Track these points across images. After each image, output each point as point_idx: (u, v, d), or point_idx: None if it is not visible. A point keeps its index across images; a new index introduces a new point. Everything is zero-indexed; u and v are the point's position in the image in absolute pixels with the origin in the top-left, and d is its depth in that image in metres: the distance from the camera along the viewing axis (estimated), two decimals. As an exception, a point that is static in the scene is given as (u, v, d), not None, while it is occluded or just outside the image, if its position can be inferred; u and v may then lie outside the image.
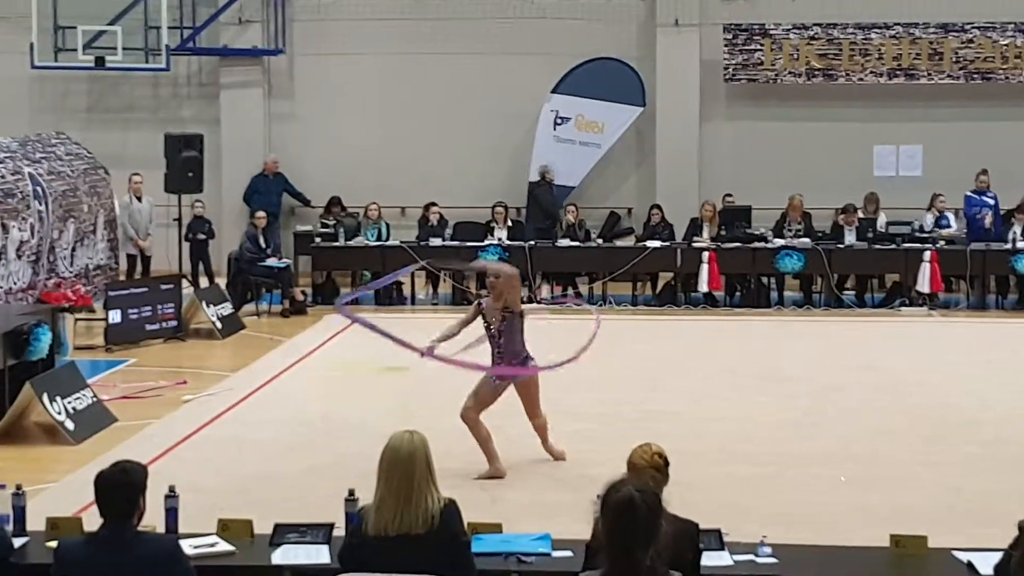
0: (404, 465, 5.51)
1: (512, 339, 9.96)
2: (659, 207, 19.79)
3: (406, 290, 19.55)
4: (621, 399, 12.74)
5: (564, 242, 19.31)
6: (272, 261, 18.51)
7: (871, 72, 21.17)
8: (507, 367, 10.01)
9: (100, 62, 20.77)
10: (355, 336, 16.60)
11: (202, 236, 19.49)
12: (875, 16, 21.16)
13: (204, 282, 18.91)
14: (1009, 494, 9.22)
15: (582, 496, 5.10)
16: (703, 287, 18.72)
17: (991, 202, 19.33)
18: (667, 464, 5.89)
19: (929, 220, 19.57)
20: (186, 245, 19.08)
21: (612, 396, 12.86)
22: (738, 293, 19.31)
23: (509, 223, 19.86)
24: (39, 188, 15.83)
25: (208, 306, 16.60)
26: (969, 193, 19.51)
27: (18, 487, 6.68)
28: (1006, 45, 20.91)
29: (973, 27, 20.94)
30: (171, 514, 6.69)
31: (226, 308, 16.99)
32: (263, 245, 18.60)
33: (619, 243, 19.70)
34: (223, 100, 22.00)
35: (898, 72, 21.15)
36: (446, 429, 10.42)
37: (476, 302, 10.45)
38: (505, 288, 9.92)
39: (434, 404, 12.31)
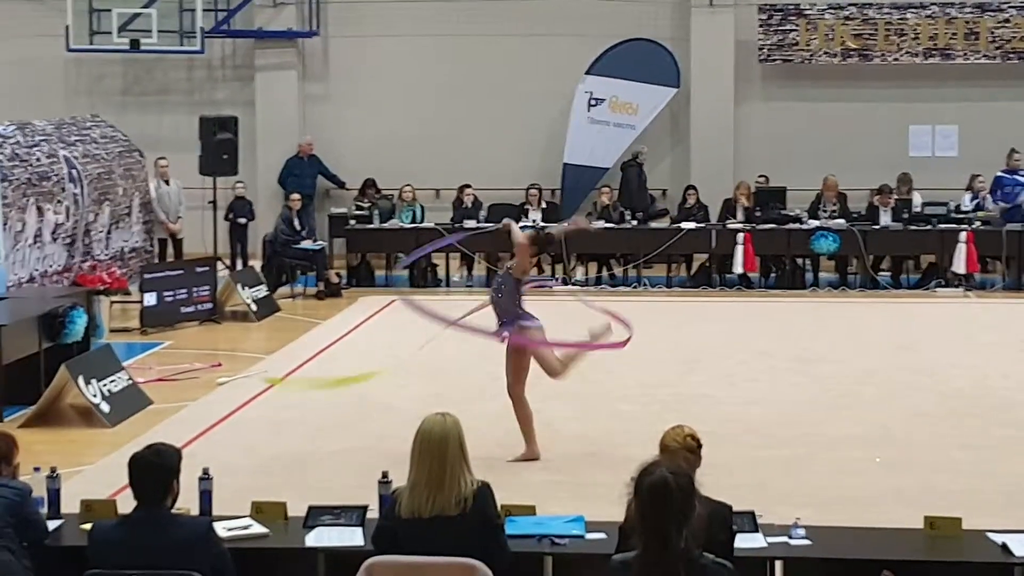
0: (437, 447, 5.52)
1: (508, 299, 9.94)
2: (694, 188, 19.73)
3: (440, 272, 19.56)
4: (656, 381, 12.72)
5: (599, 224, 19.26)
6: (307, 243, 18.54)
7: (906, 52, 21.01)
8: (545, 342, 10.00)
9: (135, 45, 20.86)
10: (392, 317, 16.67)
11: (243, 219, 19.54)
12: (911, -5, 21.01)
13: (239, 264, 18.96)
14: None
15: (616, 478, 5.09)
16: (738, 268, 18.65)
17: (1023, 181, 19.18)
18: (700, 446, 5.88)
19: (967, 200, 19.43)
20: (224, 226, 19.09)
21: (647, 378, 12.84)
22: (773, 274, 19.23)
23: (543, 205, 19.83)
24: (74, 171, 15.92)
25: (243, 288, 16.64)
26: (1000, 173, 19.36)
27: (52, 470, 6.73)
28: (1043, 24, 20.72)
29: (1009, 6, 20.74)
30: (205, 496, 6.72)
31: (261, 290, 17.03)
32: (298, 227, 18.63)
33: (654, 225, 19.64)
34: (258, 82, 22.04)
35: (934, 52, 20.98)
36: (480, 413, 10.47)
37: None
38: (516, 253, 10.04)
39: (468, 387, 12.35)
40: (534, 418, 10.09)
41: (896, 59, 21.05)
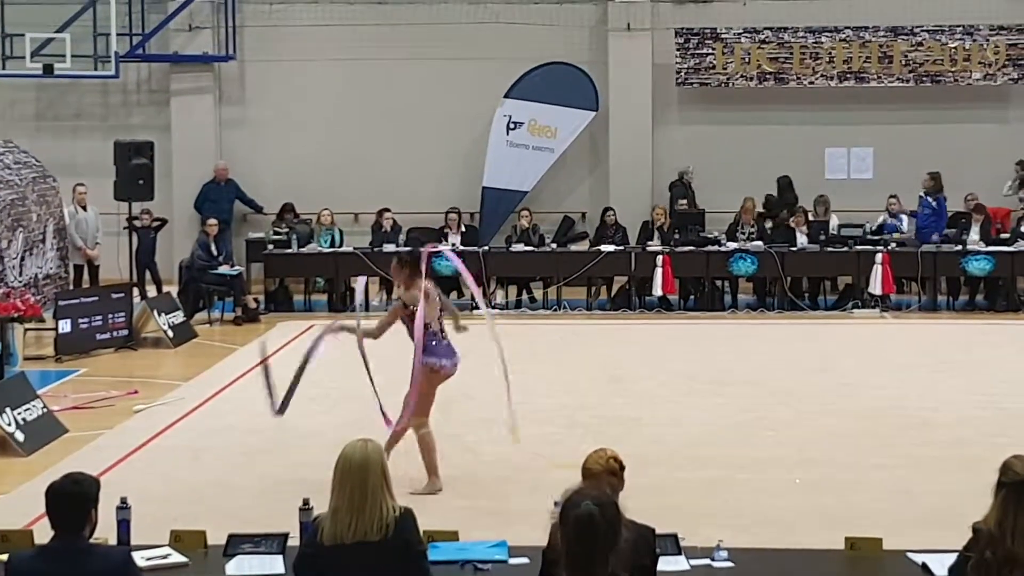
0: (358, 473, 5.46)
1: (410, 330, 9.93)
2: (612, 210, 19.82)
3: (359, 296, 19.42)
4: (578, 404, 12.72)
5: (518, 247, 19.29)
6: (224, 268, 18.39)
7: (822, 75, 21.28)
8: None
9: (48, 70, 20.59)
10: (309, 344, 16.54)
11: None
12: (825, 20, 21.27)
13: (152, 291, 18.70)
14: (963, 495, 9.21)
15: (539, 502, 5.08)
16: (657, 291, 18.74)
17: (934, 204, 19.49)
18: (622, 468, 5.86)
19: (882, 221, 19.69)
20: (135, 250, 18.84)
21: (569, 400, 12.85)
22: (692, 297, 19.35)
23: (463, 228, 19.83)
24: (-13, 197, 15.67)
25: (159, 315, 16.46)
26: (922, 194, 19.67)
27: (-33, 500, 6.58)
28: (954, 48, 21.06)
29: (922, 30, 21.09)
30: (123, 526, 6.61)
31: (178, 316, 16.85)
32: (215, 253, 18.48)
33: (573, 247, 19.70)
34: (174, 107, 21.86)
35: (848, 75, 21.27)
36: (403, 438, 10.38)
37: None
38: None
39: (394, 413, 12.26)
40: (437, 449, 9.83)
41: (811, 82, 21.30)
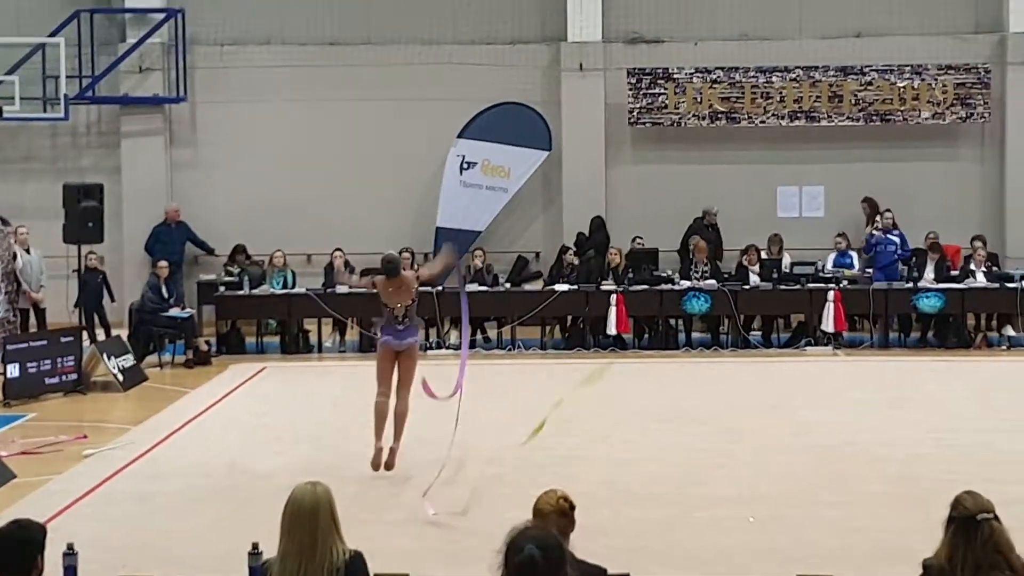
0: (307, 517, 5.40)
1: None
2: (571, 248, 19.83)
3: (312, 337, 19.36)
4: (532, 443, 12.64)
5: (472, 287, 19.25)
6: (175, 311, 18.27)
7: (773, 115, 21.41)
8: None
9: (-3, 112, 20.44)
10: (264, 384, 16.47)
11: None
12: (775, 60, 21.42)
13: (100, 334, 18.52)
14: (914, 531, 9.21)
15: (490, 542, 5.02)
16: (612, 330, 18.74)
17: (897, 240, 19.70)
18: (573, 508, 5.83)
19: (831, 260, 19.82)
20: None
21: (521, 440, 12.76)
22: (646, 335, 19.36)
23: (416, 268, 19.76)
24: (-66, 240, 15.51)
25: (109, 358, 16.31)
26: (874, 231, 19.83)
27: (-93, 548, 6.45)
28: (903, 87, 21.24)
29: (871, 70, 21.26)
30: (70, 572, 6.48)
31: (128, 360, 16.70)
32: (166, 295, 18.36)
33: (527, 287, 19.68)
34: (124, 149, 21.73)
35: (799, 114, 21.41)
36: (353, 478, 10.34)
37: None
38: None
39: (340, 453, 12.21)
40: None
41: (763, 121, 21.43)
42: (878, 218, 20.23)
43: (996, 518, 5.06)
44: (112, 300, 19.16)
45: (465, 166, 21.33)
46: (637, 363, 18.00)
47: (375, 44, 21.70)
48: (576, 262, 19.54)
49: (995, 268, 19.41)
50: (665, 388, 15.92)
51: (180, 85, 21.57)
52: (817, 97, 21.35)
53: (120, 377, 16.24)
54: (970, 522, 5.04)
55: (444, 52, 21.68)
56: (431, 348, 18.81)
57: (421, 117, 21.43)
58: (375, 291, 12.09)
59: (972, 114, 21.24)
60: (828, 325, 18.63)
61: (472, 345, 19.19)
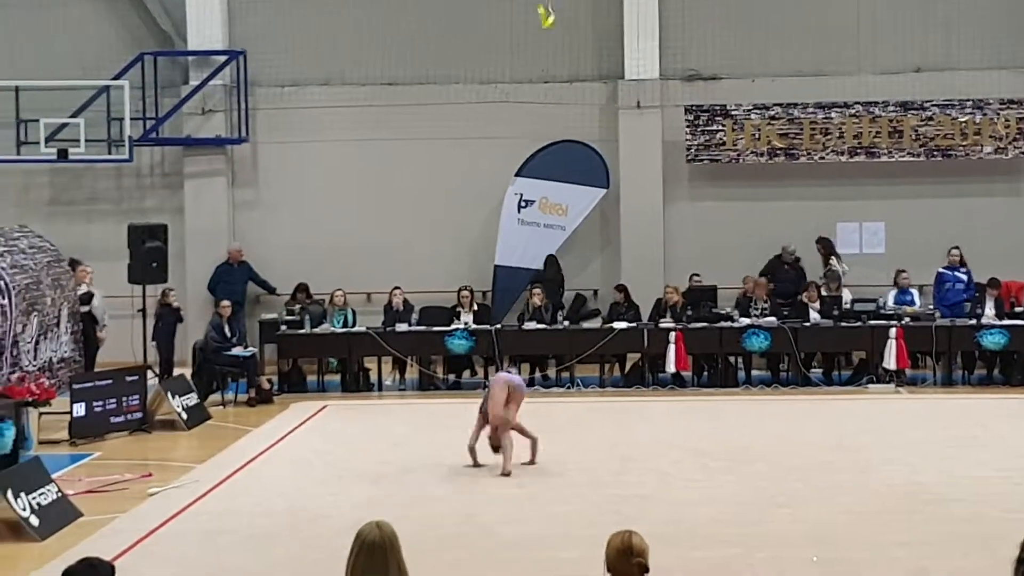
0: (377, 560, 5.43)
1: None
2: (623, 288, 19.83)
3: (372, 376, 19.46)
4: (592, 482, 12.65)
5: (531, 325, 19.29)
6: (238, 350, 18.40)
7: (832, 151, 21.35)
8: None
9: (63, 154, 20.76)
10: (325, 423, 16.56)
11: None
12: (835, 95, 21.38)
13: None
14: (981, 572, 9.17)
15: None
16: (671, 367, 18.70)
17: (964, 278, 19.55)
18: (644, 551, 5.74)
19: (892, 297, 19.70)
20: (150, 334, 18.89)
21: (583, 479, 12.79)
22: (706, 373, 19.29)
23: (475, 307, 19.84)
24: (2, 282, 15.72)
25: (173, 397, 16.46)
26: (941, 269, 19.71)
27: (-20, 588, 6.56)
28: (964, 122, 21.13)
29: (932, 104, 21.16)
30: (136, 612, 6.57)
31: (191, 399, 16.84)
32: (228, 334, 18.51)
33: (586, 325, 19.69)
34: (187, 189, 21.99)
35: (859, 150, 21.33)
36: (417, 516, 10.38)
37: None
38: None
39: (403, 492, 12.25)
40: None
41: (822, 158, 21.37)
42: (833, 260, 20.12)
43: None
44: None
45: (523, 204, 21.40)
46: (697, 401, 17.95)
47: (434, 83, 21.85)
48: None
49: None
50: (725, 426, 15.84)
51: (242, 126, 21.82)
52: (877, 133, 21.27)
53: (184, 416, 16.37)
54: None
55: (502, 91, 21.81)
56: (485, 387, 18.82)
57: (479, 156, 21.55)
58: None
59: (1035, 149, 21.10)
60: (890, 362, 18.49)
61: (531, 383, 19.27)
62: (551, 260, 21.07)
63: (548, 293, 19.99)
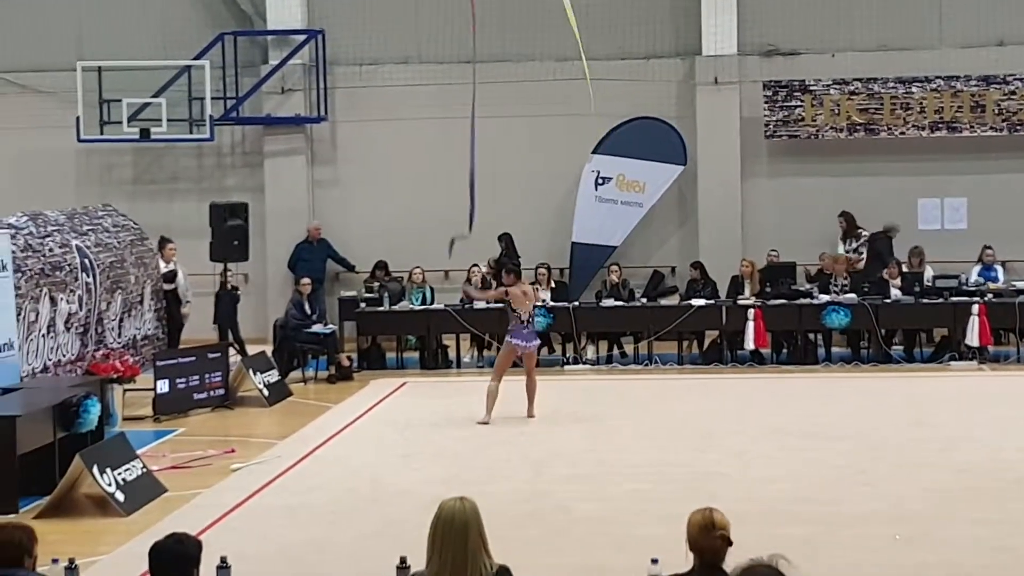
0: (459, 535, 5.47)
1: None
2: (698, 264, 19.76)
3: (451, 353, 19.54)
4: (669, 459, 12.66)
5: (608, 302, 19.28)
6: (318, 327, 18.56)
7: (913, 126, 21.11)
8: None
9: (145, 134, 21.03)
10: (404, 399, 16.67)
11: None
12: (915, 70, 21.12)
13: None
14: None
15: (633, 559, 5.07)
16: (749, 344, 18.62)
17: None
18: (726, 528, 5.74)
19: (976, 273, 19.47)
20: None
21: (662, 456, 12.79)
22: (785, 350, 19.19)
23: (552, 284, 19.86)
24: (87, 260, 15.99)
25: (255, 374, 16.64)
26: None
27: (71, 561, 6.70)
28: (1048, 96, 20.82)
29: (1015, 79, 20.85)
30: (223, 585, 6.67)
31: (273, 375, 17.02)
32: (308, 312, 18.66)
33: (663, 302, 19.63)
34: (267, 168, 22.17)
35: (940, 125, 21.08)
36: (494, 493, 10.44)
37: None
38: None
39: (480, 469, 12.32)
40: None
41: (902, 133, 21.14)
42: (860, 233, 19.84)
43: None
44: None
45: (600, 181, 21.37)
46: (776, 378, 17.87)
47: (511, 61, 21.83)
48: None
49: None
50: (805, 404, 15.76)
51: (321, 105, 21.96)
52: (959, 107, 21.01)
53: (266, 392, 16.55)
54: None
55: (578, 68, 21.69)
56: (568, 363, 18.88)
57: (556, 133, 21.52)
58: (507, 299, 14.62)
59: (1119, 122, 20.74)
60: (973, 339, 18.29)
61: (609, 360, 19.29)
62: (506, 238, 20.79)
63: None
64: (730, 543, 5.61)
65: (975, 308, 18.26)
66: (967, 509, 10.58)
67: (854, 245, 20.27)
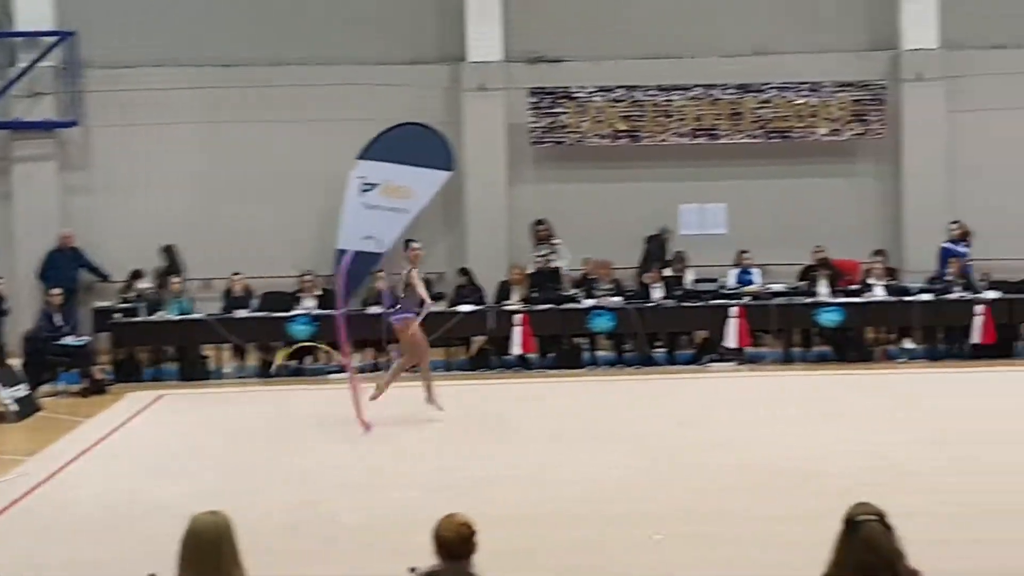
0: (210, 549, 5.17)
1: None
2: (466, 271, 19.67)
3: (212, 363, 19.01)
4: (445, 466, 12.47)
5: (375, 309, 19.02)
6: (69, 339, 17.86)
7: (674, 132, 21.44)
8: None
9: None
10: (161, 413, 16.12)
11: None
12: (676, 78, 21.45)
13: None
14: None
15: (400, 567, 4.85)
16: (516, 349, 18.61)
17: (966, 251, 19.66)
18: (474, 533, 5.61)
19: (733, 277, 19.88)
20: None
21: (436, 464, 12.60)
22: (551, 354, 19.24)
23: (319, 291, 19.49)
24: None
25: (2, 388, 15.88)
26: (945, 244, 19.86)
27: None
28: (801, 104, 21.38)
29: (769, 87, 21.38)
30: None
31: (21, 390, 16.26)
32: (59, 323, 17.93)
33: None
34: (15, 174, 21.21)
35: (700, 132, 21.46)
36: (253, 504, 10.11)
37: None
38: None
39: (240, 481, 11.97)
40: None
41: (664, 139, 21.45)
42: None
43: (881, 521, 5.00)
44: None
45: (366, 187, 21.09)
46: (543, 383, 17.87)
47: (274, 65, 21.39)
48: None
49: (894, 282, 19.59)
50: (575, 407, 15.78)
51: (73, 109, 21.12)
52: (717, 115, 21.42)
53: (13, 407, 15.81)
54: (849, 524, 5.01)
55: (344, 73, 21.42)
56: (333, 372, 18.55)
57: (321, 138, 21.17)
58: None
59: (868, 130, 21.44)
60: (731, 341, 18.65)
61: (375, 368, 18.98)
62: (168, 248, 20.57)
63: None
64: (474, 533, 5.47)
65: (733, 311, 18.62)
66: (751, 505, 10.60)
67: (544, 252, 20.40)
